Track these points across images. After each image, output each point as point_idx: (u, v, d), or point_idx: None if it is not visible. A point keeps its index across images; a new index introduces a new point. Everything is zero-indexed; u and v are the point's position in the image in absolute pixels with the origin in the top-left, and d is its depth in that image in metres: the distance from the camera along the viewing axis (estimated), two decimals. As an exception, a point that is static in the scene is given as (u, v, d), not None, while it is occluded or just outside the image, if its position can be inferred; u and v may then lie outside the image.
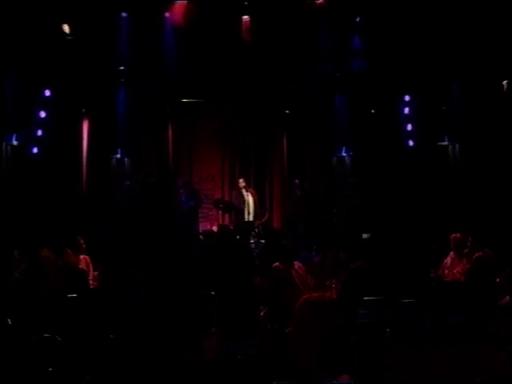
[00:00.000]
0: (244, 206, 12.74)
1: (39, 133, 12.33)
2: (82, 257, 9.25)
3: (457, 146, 12.89)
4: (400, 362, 6.60)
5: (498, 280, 8.03)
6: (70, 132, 12.69)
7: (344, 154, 13.60)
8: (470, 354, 6.46)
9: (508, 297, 7.67)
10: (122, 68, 12.81)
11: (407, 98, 13.21)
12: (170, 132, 13.94)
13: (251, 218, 12.78)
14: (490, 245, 8.39)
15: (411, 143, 13.15)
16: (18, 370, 6.43)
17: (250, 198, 12.82)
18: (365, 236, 11.57)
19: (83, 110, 13.00)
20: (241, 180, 13.08)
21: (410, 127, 13.17)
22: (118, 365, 6.68)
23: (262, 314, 7.47)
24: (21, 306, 7.15)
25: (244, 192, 12.84)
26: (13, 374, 6.38)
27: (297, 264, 7.98)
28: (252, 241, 12.34)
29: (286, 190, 13.82)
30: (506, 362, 6.28)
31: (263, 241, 12.38)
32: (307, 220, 12.64)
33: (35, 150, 12.26)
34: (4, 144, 11.88)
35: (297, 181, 13.22)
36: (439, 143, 13.03)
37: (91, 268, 9.21)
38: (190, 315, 7.17)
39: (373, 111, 13.27)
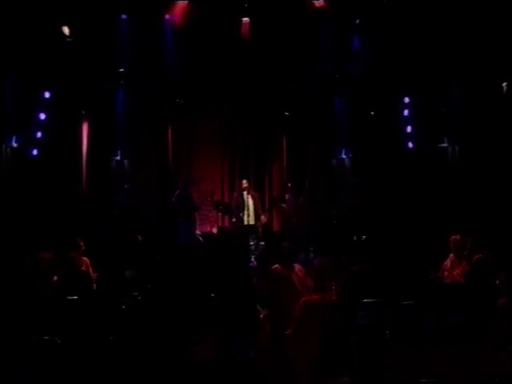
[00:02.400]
0: (243, 209, 12.72)
1: (39, 134, 12.31)
2: (82, 259, 9.24)
3: (456, 147, 12.89)
4: (400, 362, 6.59)
5: (497, 282, 8.01)
6: (69, 134, 12.69)
7: (344, 156, 13.61)
8: (470, 354, 6.45)
9: (505, 298, 7.65)
10: (121, 70, 12.82)
11: (407, 99, 13.23)
12: (169, 132, 13.94)
13: (251, 221, 12.77)
14: (490, 246, 8.37)
15: (411, 145, 13.17)
16: (18, 369, 6.43)
17: (250, 201, 12.80)
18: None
19: (83, 112, 12.99)
20: (244, 181, 13.04)
21: (409, 129, 13.18)
22: (117, 365, 6.68)
23: (261, 316, 7.46)
24: (21, 306, 7.15)
25: (245, 194, 12.83)
26: (13, 374, 6.39)
27: (296, 266, 7.95)
28: (252, 243, 12.33)
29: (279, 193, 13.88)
30: (506, 362, 6.27)
31: (263, 243, 12.36)
32: (303, 222, 12.62)
33: (35, 152, 12.24)
34: (4, 146, 11.86)
35: (289, 184, 13.23)
36: (439, 145, 13.04)
37: (91, 270, 9.20)
38: (190, 316, 7.16)
39: (372, 112, 13.27)
